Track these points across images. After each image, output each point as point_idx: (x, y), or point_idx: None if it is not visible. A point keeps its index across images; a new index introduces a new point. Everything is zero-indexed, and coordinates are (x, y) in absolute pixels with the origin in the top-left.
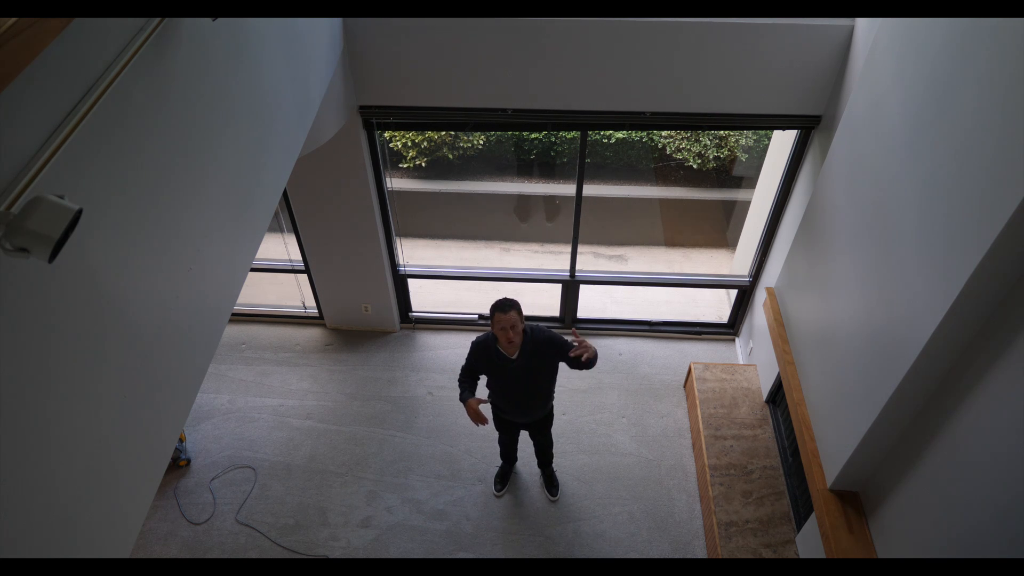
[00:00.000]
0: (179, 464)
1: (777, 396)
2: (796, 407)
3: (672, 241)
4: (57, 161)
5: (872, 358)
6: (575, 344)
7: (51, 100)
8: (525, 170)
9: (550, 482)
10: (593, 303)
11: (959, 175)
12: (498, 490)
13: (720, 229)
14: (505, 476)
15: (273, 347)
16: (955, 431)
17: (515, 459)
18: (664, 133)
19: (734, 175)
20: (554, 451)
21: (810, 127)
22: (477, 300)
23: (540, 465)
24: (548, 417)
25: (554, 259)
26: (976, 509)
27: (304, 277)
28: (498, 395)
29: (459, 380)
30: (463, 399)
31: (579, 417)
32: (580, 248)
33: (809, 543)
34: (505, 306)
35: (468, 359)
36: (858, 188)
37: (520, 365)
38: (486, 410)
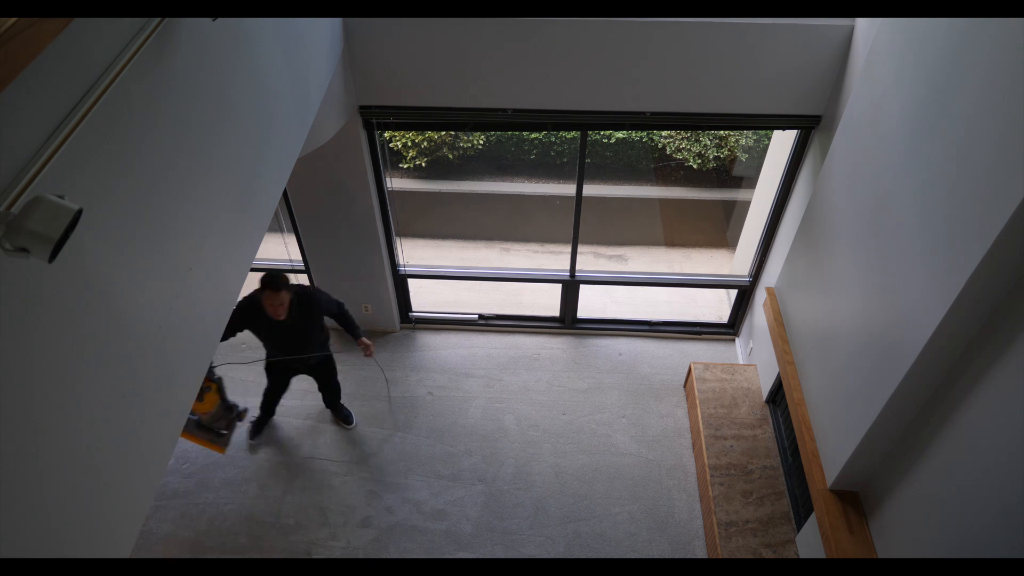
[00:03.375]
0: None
1: (777, 396)
2: (796, 407)
3: (672, 241)
4: (57, 161)
5: (872, 358)
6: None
7: (51, 100)
8: (525, 170)
9: (341, 414)
10: (593, 303)
11: (959, 175)
12: (253, 438)
13: (720, 229)
14: (261, 425)
15: None
16: (955, 431)
17: (273, 412)
18: (664, 133)
19: (734, 175)
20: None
21: (810, 127)
22: (477, 300)
23: (328, 404)
24: (329, 362)
25: (554, 259)
26: (976, 509)
27: (304, 277)
28: (272, 347)
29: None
30: None
31: (579, 417)
32: (580, 248)
33: (809, 543)
34: (278, 285)
35: (228, 326)
36: (858, 188)
37: (289, 324)
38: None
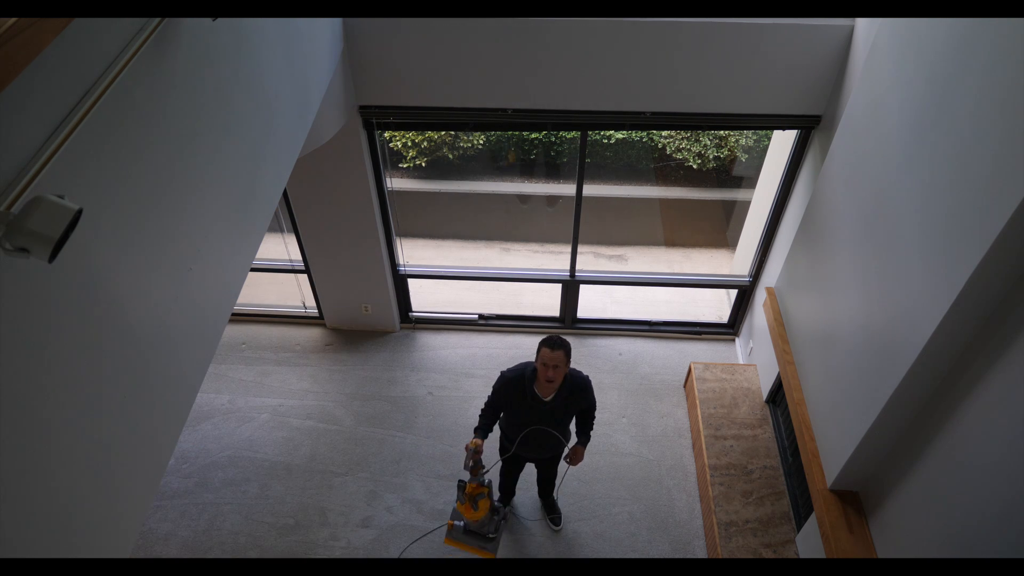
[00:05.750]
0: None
1: (777, 396)
2: (796, 407)
3: (672, 241)
4: (57, 161)
5: (872, 358)
6: (568, 455)
7: (51, 100)
8: (525, 170)
9: (552, 511)
10: (593, 303)
11: (959, 175)
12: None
13: (720, 229)
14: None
15: (273, 347)
16: (955, 431)
17: (513, 494)
18: (664, 133)
19: (734, 175)
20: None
21: (810, 127)
22: (477, 300)
23: (543, 495)
24: (558, 456)
25: (554, 259)
26: (976, 509)
27: (304, 277)
28: (516, 430)
29: (481, 413)
30: (476, 434)
31: None
32: (580, 248)
33: (809, 543)
34: (555, 343)
35: (494, 395)
36: (858, 188)
37: (552, 408)
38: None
